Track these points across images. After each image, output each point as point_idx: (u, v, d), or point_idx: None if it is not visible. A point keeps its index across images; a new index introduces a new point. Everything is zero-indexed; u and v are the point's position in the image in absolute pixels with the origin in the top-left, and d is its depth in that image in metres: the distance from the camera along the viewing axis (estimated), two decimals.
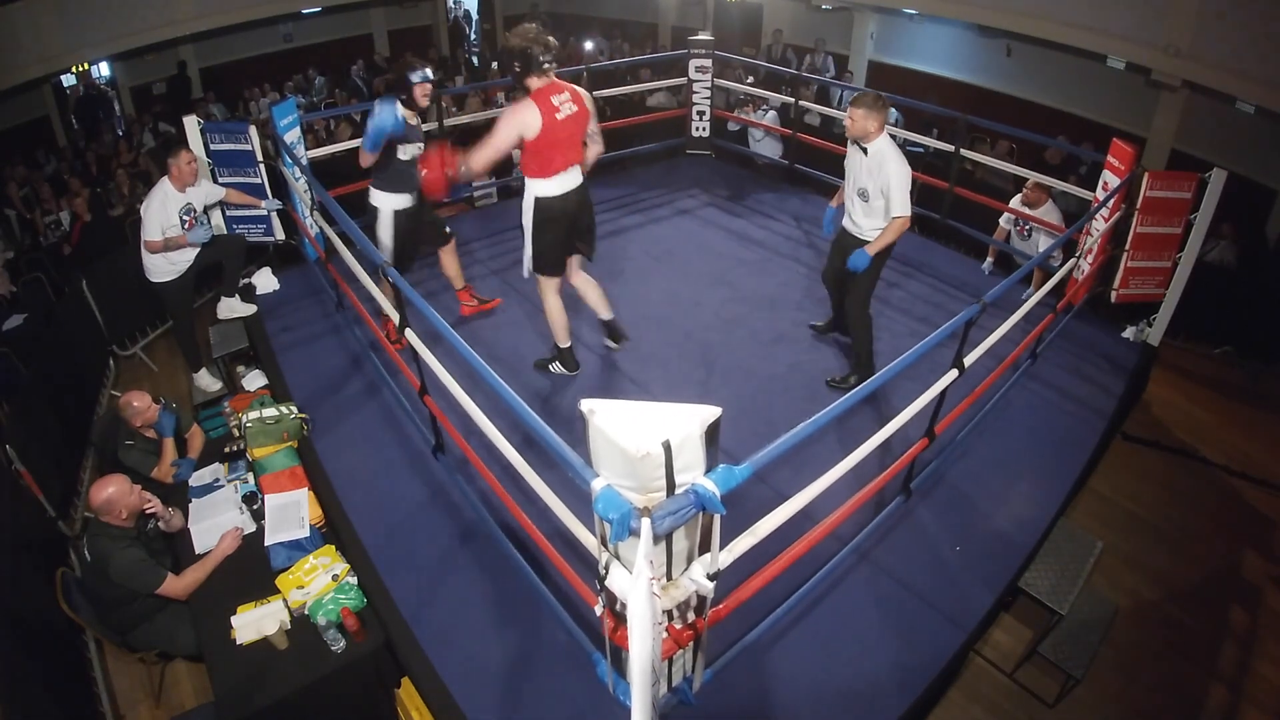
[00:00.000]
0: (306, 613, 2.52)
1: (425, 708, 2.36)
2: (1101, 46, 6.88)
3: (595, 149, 3.43)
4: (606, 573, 1.78)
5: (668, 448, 1.55)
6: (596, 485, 1.60)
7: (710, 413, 1.63)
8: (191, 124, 4.31)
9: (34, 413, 3.96)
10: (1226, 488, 3.90)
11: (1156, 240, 4.09)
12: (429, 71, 3.55)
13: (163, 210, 3.81)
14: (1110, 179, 4.08)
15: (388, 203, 3.66)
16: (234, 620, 2.48)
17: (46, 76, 8.19)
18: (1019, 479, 3.27)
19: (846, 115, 3.29)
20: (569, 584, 2.27)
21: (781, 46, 9.42)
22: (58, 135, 8.94)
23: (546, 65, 3.01)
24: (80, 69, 8.87)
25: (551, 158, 3.12)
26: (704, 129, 6.30)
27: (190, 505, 3.00)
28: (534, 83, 3.03)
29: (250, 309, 4.39)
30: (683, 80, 6.15)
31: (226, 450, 3.26)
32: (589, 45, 10.41)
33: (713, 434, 1.64)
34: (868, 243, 3.34)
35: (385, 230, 3.69)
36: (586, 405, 1.64)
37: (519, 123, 3.01)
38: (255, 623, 2.46)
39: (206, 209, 4.18)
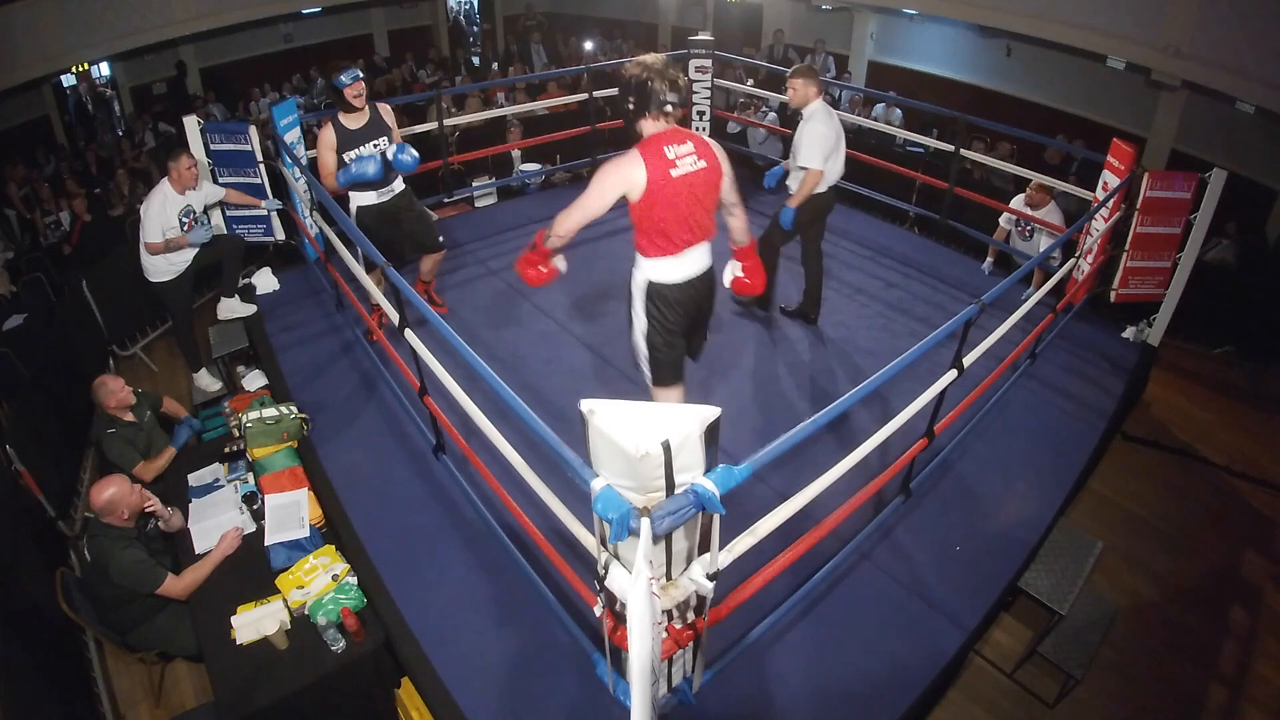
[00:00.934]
0: (306, 613, 2.52)
1: (425, 708, 2.36)
2: (1101, 46, 6.88)
3: (737, 223, 2.71)
4: (606, 573, 1.78)
5: (667, 448, 1.55)
6: (596, 485, 1.61)
7: (710, 413, 1.63)
8: (191, 124, 4.31)
9: (34, 413, 3.96)
10: (1226, 488, 3.90)
11: (1156, 240, 4.09)
12: (357, 70, 3.51)
13: (162, 213, 3.82)
14: (1110, 179, 4.08)
15: (351, 202, 3.64)
16: (234, 620, 2.48)
17: (46, 76, 8.19)
18: (1019, 479, 3.27)
19: (788, 87, 3.69)
20: (569, 584, 2.28)
21: (783, 47, 9.42)
22: (58, 135, 8.94)
23: (669, 107, 2.38)
24: (80, 69, 8.86)
25: (668, 229, 2.41)
26: (704, 129, 6.30)
27: (190, 505, 3.00)
28: (647, 127, 2.41)
29: (250, 309, 4.39)
30: None
31: (226, 450, 3.26)
32: (589, 45, 10.42)
33: (712, 434, 1.64)
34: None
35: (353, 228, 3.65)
36: (586, 405, 1.64)
37: (620, 179, 2.36)
38: (255, 623, 2.45)
39: (206, 209, 4.19)
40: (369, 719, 2.58)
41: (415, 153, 3.60)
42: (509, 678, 2.42)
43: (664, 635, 1.92)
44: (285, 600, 2.54)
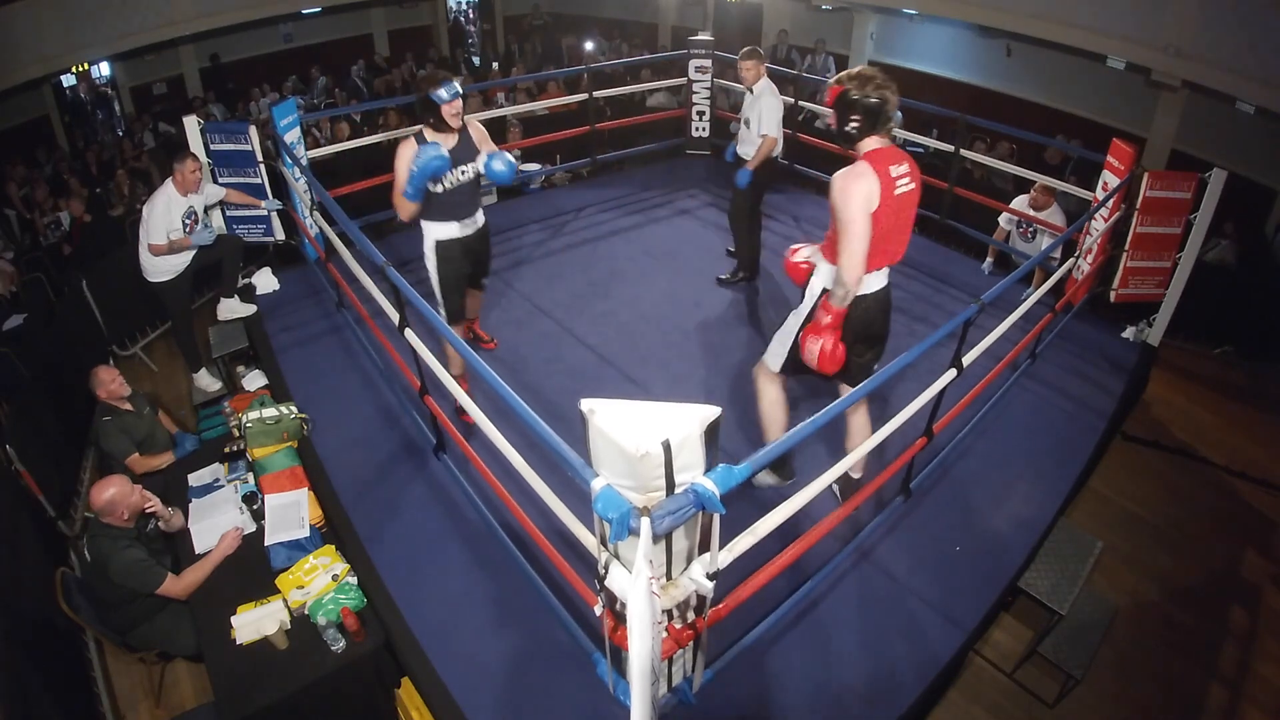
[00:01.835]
0: (306, 613, 2.52)
1: (425, 708, 2.36)
2: (1101, 46, 6.88)
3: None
4: (606, 572, 1.78)
5: (667, 447, 1.55)
6: (596, 485, 1.61)
7: (710, 413, 1.63)
8: (191, 124, 4.31)
9: (34, 413, 3.96)
10: (1226, 488, 3.90)
11: (1156, 240, 4.09)
12: (457, 84, 2.97)
13: (166, 214, 3.84)
14: (1110, 179, 4.08)
15: (431, 231, 3.16)
16: (234, 620, 2.48)
17: (46, 76, 8.19)
18: (1019, 479, 3.27)
19: (737, 66, 4.20)
20: (569, 584, 2.27)
21: (786, 47, 9.42)
22: (58, 135, 8.94)
23: (892, 125, 2.37)
24: (80, 69, 8.87)
25: (875, 246, 2.37)
26: (704, 129, 6.30)
27: (190, 505, 3.00)
28: (870, 143, 2.36)
29: (250, 309, 4.39)
30: (683, 80, 6.16)
31: (226, 450, 3.26)
32: (589, 45, 10.42)
33: (712, 434, 1.64)
34: (745, 162, 4.17)
35: (430, 262, 3.22)
36: (586, 405, 1.64)
37: (863, 194, 2.28)
38: (255, 623, 2.45)
39: (207, 209, 4.19)
40: (369, 719, 2.58)
41: (510, 158, 3.09)
42: (509, 678, 2.42)
43: (664, 635, 1.92)
44: (285, 600, 2.54)
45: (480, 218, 3.28)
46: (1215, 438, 4.23)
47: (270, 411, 3.23)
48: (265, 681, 2.36)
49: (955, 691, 2.79)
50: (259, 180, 4.47)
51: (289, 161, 4.27)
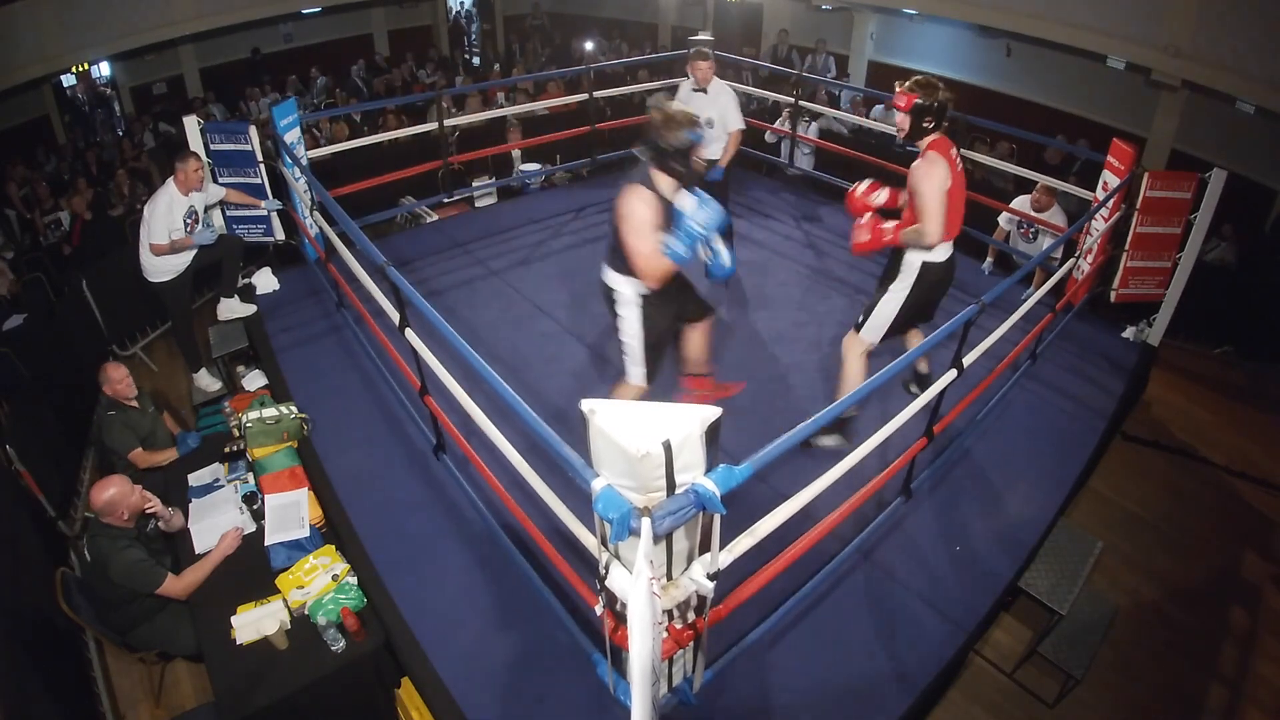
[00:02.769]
0: (306, 613, 2.52)
1: (425, 708, 2.36)
2: (1101, 46, 6.88)
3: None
4: (606, 572, 1.78)
5: (668, 448, 1.55)
6: (596, 485, 1.61)
7: (710, 413, 1.63)
8: (192, 124, 4.31)
9: (34, 413, 3.96)
10: (1226, 488, 3.90)
11: (1156, 240, 4.09)
12: (700, 128, 2.56)
13: (168, 215, 3.84)
14: (1110, 179, 4.08)
15: (629, 287, 2.78)
16: (234, 620, 2.48)
17: (46, 76, 8.19)
18: (1019, 479, 3.27)
19: (694, 66, 4.34)
20: (569, 584, 2.28)
21: (787, 47, 9.42)
22: (58, 135, 8.94)
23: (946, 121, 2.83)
24: (80, 69, 8.86)
25: (949, 218, 2.84)
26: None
27: (190, 505, 3.00)
28: (932, 136, 2.81)
29: (250, 309, 4.39)
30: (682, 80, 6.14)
31: (226, 450, 3.26)
32: (589, 45, 10.42)
33: (713, 434, 1.64)
34: (716, 161, 4.35)
35: (630, 315, 2.83)
36: (587, 405, 1.64)
37: (939, 178, 2.76)
38: (255, 623, 2.45)
39: (208, 209, 4.19)
40: (369, 719, 2.58)
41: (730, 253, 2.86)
42: (509, 678, 2.42)
43: (664, 635, 1.91)
44: (285, 600, 2.54)
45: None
46: (1215, 438, 4.23)
47: (270, 411, 3.23)
48: (265, 681, 2.36)
49: (955, 691, 2.79)
50: (259, 180, 4.47)
51: (289, 161, 4.27)
